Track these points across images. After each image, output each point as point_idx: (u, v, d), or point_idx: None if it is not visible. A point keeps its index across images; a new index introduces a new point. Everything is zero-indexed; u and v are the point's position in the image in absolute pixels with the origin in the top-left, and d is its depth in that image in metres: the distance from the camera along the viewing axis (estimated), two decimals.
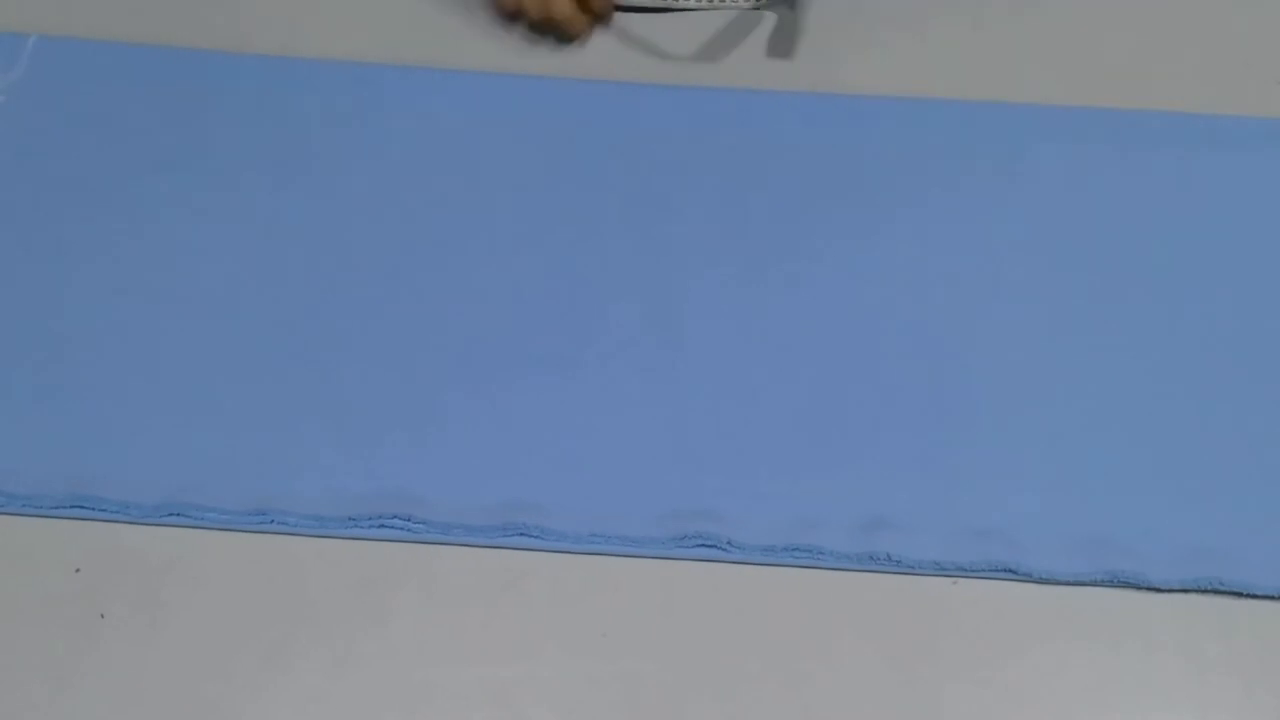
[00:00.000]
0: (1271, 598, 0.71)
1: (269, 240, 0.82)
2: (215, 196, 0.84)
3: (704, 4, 0.92)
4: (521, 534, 0.72)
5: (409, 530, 0.71)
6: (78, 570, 0.70)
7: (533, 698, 0.67)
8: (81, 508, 0.71)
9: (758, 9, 0.93)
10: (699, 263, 0.82)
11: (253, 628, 0.69)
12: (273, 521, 0.71)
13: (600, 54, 0.92)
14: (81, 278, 0.80)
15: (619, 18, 0.93)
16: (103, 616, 0.69)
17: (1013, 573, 0.71)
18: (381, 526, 0.71)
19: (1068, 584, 0.71)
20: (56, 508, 0.71)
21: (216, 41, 0.90)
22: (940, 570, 0.72)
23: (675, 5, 0.92)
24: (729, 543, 0.72)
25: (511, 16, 0.89)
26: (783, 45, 0.92)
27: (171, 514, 0.71)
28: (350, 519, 0.71)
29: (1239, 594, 0.71)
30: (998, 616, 0.70)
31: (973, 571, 0.71)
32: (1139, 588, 0.71)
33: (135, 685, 0.67)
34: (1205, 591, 0.71)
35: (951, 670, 0.69)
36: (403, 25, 0.93)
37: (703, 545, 0.72)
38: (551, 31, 0.89)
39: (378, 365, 0.77)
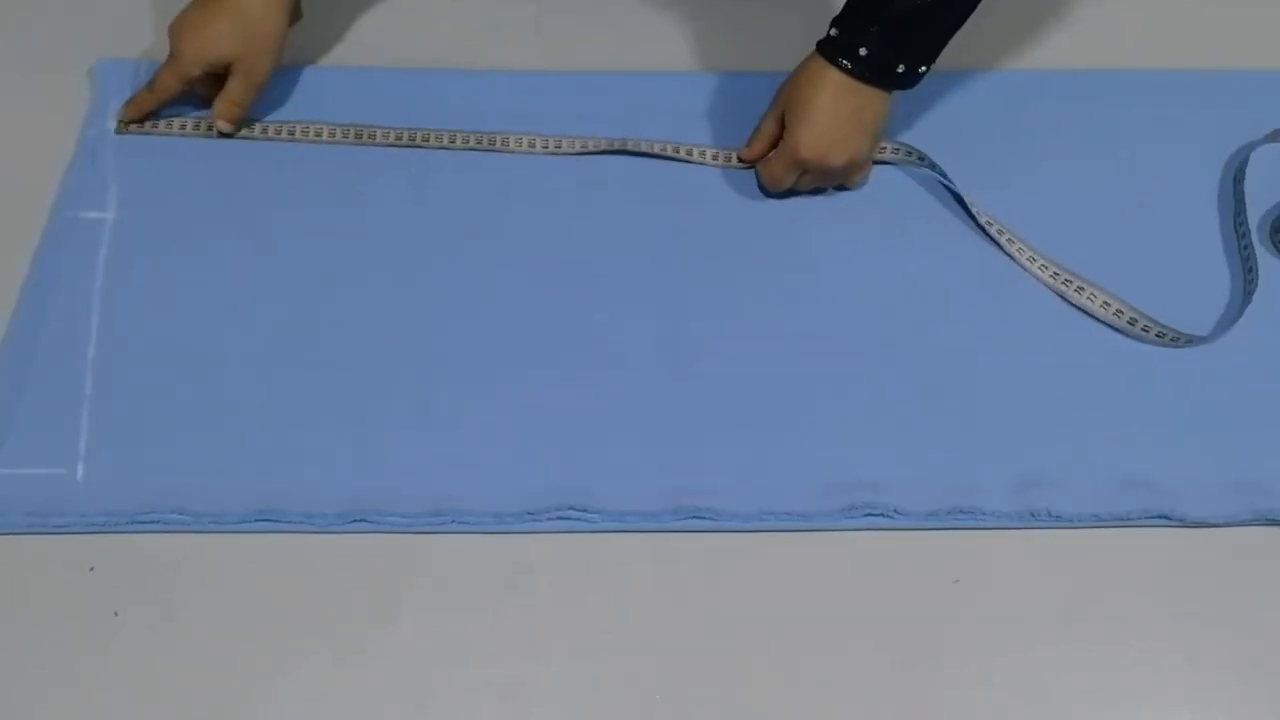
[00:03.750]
0: None
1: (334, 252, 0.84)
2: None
3: None
4: (694, 516, 0.73)
5: (585, 521, 0.73)
6: (91, 569, 0.71)
7: (539, 695, 0.68)
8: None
9: None
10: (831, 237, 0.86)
11: (262, 625, 0.70)
12: (451, 521, 0.73)
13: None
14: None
15: None
16: (116, 614, 0.70)
17: (1168, 519, 0.74)
18: (559, 519, 0.73)
19: (1221, 526, 0.74)
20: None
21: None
22: (1099, 522, 0.74)
23: None
24: (895, 510, 0.74)
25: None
26: None
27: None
28: (529, 513, 0.73)
29: None
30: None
31: (1130, 521, 0.74)
32: None
33: (148, 681, 0.68)
34: None
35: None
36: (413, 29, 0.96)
37: (870, 514, 0.74)
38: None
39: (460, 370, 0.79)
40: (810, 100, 0.81)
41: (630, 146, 0.88)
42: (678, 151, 0.88)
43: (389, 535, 0.73)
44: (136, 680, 0.68)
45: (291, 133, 0.88)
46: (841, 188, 0.87)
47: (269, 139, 0.88)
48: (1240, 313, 0.81)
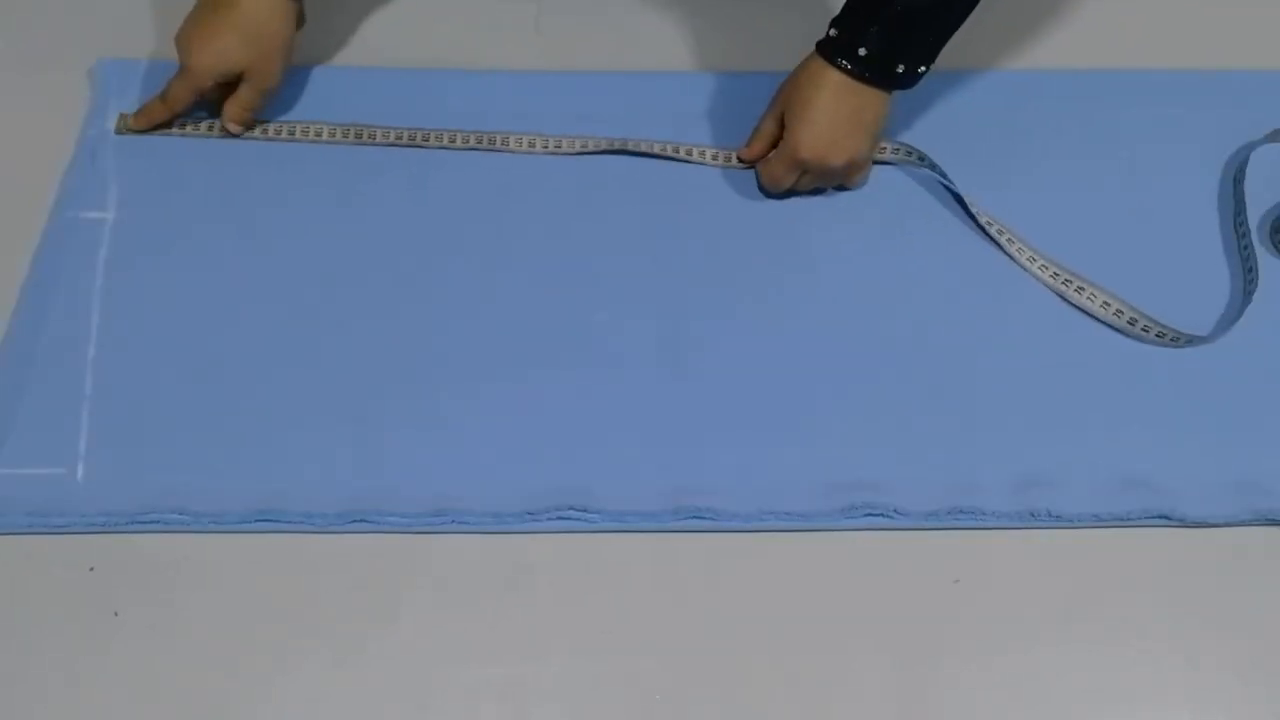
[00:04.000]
0: None
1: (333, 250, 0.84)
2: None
3: None
4: (694, 517, 0.73)
5: (586, 521, 0.73)
6: (91, 569, 0.71)
7: (539, 695, 0.68)
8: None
9: None
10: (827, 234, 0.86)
11: (262, 625, 0.70)
12: (451, 521, 0.73)
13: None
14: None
15: None
16: (116, 614, 0.70)
17: (1168, 519, 0.74)
18: (560, 519, 0.73)
19: (1222, 526, 0.74)
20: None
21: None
22: (1099, 522, 0.74)
23: None
24: (895, 510, 0.74)
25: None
26: None
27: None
28: (529, 513, 0.73)
29: None
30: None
31: (1130, 521, 0.74)
32: None
33: (148, 681, 0.68)
34: None
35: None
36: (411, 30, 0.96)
37: (870, 514, 0.74)
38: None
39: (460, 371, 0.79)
40: (810, 100, 0.81)
41: (630, 146, 0.88)
42: (677, 151, 0.88)
43: (389, 535, 0.73)
44: (136, 680, 0.68)
45: (292, 133, 0.88)
46: (842, 188, 0.87)
47: (269, 139, 0.88)
48: (1240, 313, 0.81)
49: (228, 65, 0.83)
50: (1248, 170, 0.87)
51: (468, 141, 0.88)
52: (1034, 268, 0.83)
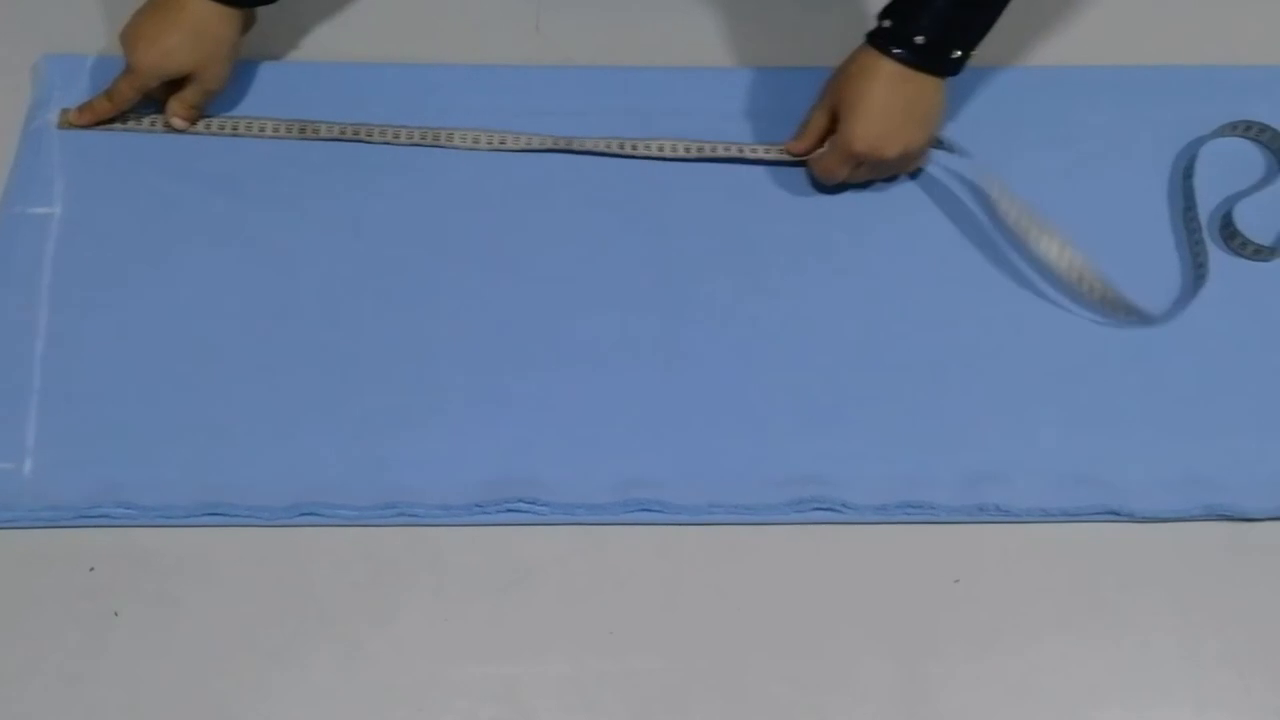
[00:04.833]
0: None
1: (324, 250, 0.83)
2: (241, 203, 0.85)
3: None
4: (643, 509, 0.73)
5: (534, 513, 0.73)
6: (91, 569, 0.71)
7: (540, 694, 0.69)
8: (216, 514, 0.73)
9: None
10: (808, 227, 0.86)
11: (263, 624, 0.70)
12: (400, 514, 0.73)
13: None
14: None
15: None
16: (116, 614, 0.70)
17: (1116, 514, 0.74)
18: (509, 511, 0.73)
19: (1170, 521, 0.74)
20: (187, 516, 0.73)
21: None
22: (1047, 517, 0.74)
23: None
24: (843, 504, 0.74)
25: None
26: None
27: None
28: (477, 505, 0.73)
29: None
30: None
31: (1078, 516, 0.74)
32: (1234, 519, 0.74)
33: (148, 681, 0.68)
34: None
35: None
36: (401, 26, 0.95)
37: (819, 509, 0.74)
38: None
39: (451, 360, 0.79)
40: (864, 92, 0.80)
41: (575, 145, 0.87)
42: (622, 148, 0.87)
43: (390, 535, 0.73)
44: (136, 680, 0.68)
45: (235, 128, 0.87)
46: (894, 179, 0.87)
47: (213, 134, 0.87)
48: (1187, 306, 0.81)
49: (174, 66, 0.83)
50: (1197, 165, 0.88)
51: (411, 137, 0.87)
52: (1001, 207, 0.83)
